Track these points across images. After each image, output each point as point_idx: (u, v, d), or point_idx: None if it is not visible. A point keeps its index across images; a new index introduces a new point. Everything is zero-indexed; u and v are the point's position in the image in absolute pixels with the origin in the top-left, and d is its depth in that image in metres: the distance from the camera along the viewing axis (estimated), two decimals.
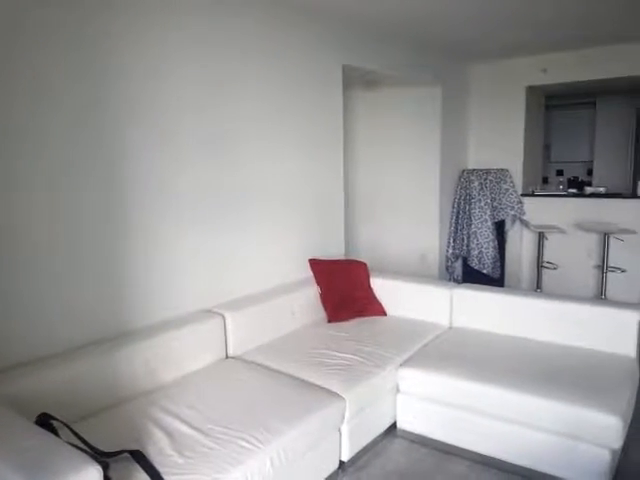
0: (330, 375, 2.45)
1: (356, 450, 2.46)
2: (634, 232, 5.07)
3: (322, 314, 3.33)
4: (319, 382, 2.40)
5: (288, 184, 3.50)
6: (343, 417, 2.30)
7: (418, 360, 2.67)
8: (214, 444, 1.88)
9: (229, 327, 2.72)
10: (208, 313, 2.75)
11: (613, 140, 7.21)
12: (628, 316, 2.69)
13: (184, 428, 1.99)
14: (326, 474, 2.31)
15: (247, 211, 3.15)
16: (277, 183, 3.39)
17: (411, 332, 3.07)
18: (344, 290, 3.45)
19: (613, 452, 2.12)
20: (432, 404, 2.58)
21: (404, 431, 2.70)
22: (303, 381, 2.41)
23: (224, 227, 2.99)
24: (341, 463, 2.40)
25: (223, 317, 2.71)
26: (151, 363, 2.34)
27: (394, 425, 2.74)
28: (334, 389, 2.34)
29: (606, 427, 2.05)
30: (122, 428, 1.99)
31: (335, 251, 3.98)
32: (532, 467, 2.30)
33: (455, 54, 5.29)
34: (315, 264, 3.52)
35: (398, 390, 2.68)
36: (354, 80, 4.77)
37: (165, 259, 2.65)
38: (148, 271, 2.57)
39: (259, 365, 2.61)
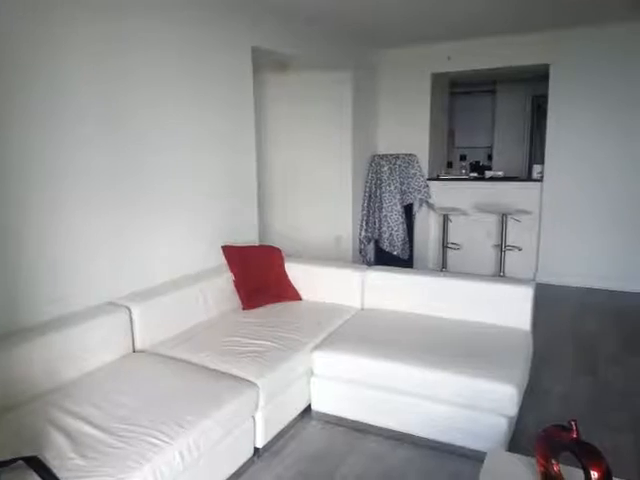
0: (243, 363, 2.42)
1: (271, 435, 2.47)
2: (530, 213, 5.45)
3: (237, 302, 3.29)
4: (232, 371, 2.36)
5: (199, 169, 3.38)
6: (257, 404, 2.29)
7: (331, 343, 2.71)
8: (120, 443, 1.79)
9: (135, 319, 2.60)
10: (112, 305, 2.61)
11: (511, 126, 7.69)
12: (523, 292, 2.89)
13: (86, 428, 1.88)
14: (241, 462, 2.29)
15: (155, 195, 3.01)
16: (187, 168, 3.27)
17: (325, 315, 3.11)
18: (258, 276, 3.42)
19: (510, 419, 2.28)
20: (345, 385, 2.63)
21: (319, 413, 2.75)
22: (215, 371, 2.37)
23: (129, 213, 2.84)
24: (256, 450, 2.39)
25: (128, 309, 2.59)
26: (50, 362, 2.19)
27: (309, 408, 2.77)
28: (247, 376, 2.32)
29: (503, 396, 2.21)
30: (18, 433, 1.85)
31: (249, 237, 3.93)
32: (439, 439, 2.42)
33: (365, 39, 5.36)
34: (228, 250, 3.45)
35: (312, 373, 2.71)
36: (265, 62, 4.69)
37: (60, 248, 2.47)
38: (40, 261, 2.38)
39: (169, 358, 2.53)
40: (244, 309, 3.24)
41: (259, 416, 2.35)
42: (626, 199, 5.03)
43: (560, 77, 5.15)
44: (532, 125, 7.54)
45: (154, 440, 1.82)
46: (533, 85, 6.98)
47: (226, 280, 3.27)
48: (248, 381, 2.29)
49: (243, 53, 3.75)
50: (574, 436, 1.52)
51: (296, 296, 3.47)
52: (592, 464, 1.42)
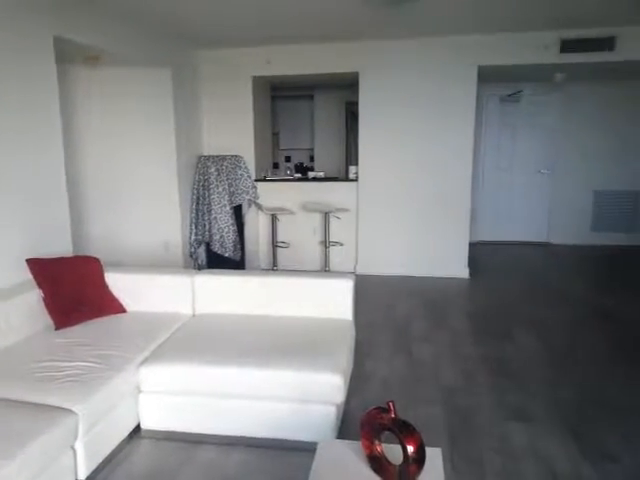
0: (58, 390, 2.17)
1: (96, 464, 2.26)
2: (348, 210, 5.85)
3: (48, 321, 2.94)
4: (46, 400, 2.10)
5: None
6: (76, 433, 2.07)
7: (159, 355, 2.58)
8: None
9: None
10: None
11: (329, 130, 8.16)
12: (344, 284, 3.08)
13: None
14: None
15: None
16: None
17: (153, 327, 2.94)
18: (73, 291, 3.10)
19: (338, 406, 2.42)
20: (176, 397, 2.53)
21: (150, 430, 2.60)
22: (23, 403, 2.08)
23: None
24: None
25: None
26: None
27: (139, 427, 2.61)
28: (63, 404, 2.08)
29: (329, 386, 2.33)
30: None
31: (61, 247, 3.55)
32: (273, 437, 2.46)
33: (185, 39, 5.21)
34: (35, 264, 3.06)
35: (140, 390, 2.55)
36: (74, 56, 4.27)
37: None
38: None
39: None
40: (57, 329, 2.90)
41: (80, 445, 2.13)
42: (428, 196, 5.69)
43: (368, 85, 5.61)
44: (347, 129, 8.10)
45: None
46: (347, 91, 7.47)
47: (34, 298, 2.91)
48: (64, 409, 2.06)
49: (43, 44, 3.36)
50: (392, 416, 1.67)
51: (120, 309, 3.23)
52: (408, 439, 1.57)
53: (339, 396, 2.35)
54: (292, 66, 5.71)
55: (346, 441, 1.88)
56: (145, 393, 2.56)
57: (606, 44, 4.98)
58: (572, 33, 5.04)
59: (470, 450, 2.47)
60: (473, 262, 5.99)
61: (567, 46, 5.07)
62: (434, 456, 1.73)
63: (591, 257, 6.78)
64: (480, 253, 6.86)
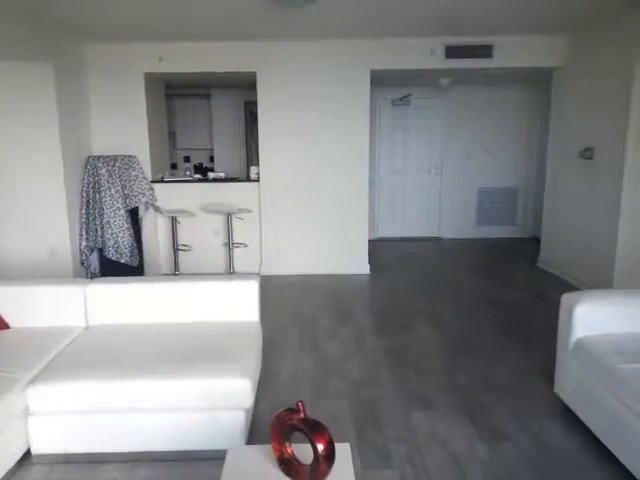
0: None
1: None
2: (251, 211, 5.81)
3: None
4: None
5: None
6: None
7: (49, 373, 2.38)
8: None
9: None
10: None
11: (228, 129, 8.04)
12: (250, 285, 3.05)
13: None
14: None
15: None
16: None
17: (41, 343, 2.71)
18: None
19: (247, 411, 2.39)
20: (71, 416, 2.35)
21: (42, 455, 2.39)
22: None
23: None
24: None
25: None
26: None
27: (29, 452, 2.39)
28: None
29: (237, 390, 2.29)
30: None
31: None
32: (182, 448, 2.38)
33: (69, 30, 4.85)
34: None
35: (29, 412, 2.34)
36: None
37: None
38: None
39: None
40: None
41: None
42: (329, 195, 5.80)
43: (266, 85, 5.60)
44: (247, 129, 8.03)
45: None
46: (246, 91, 7.41)
47: None
48: None
49: None
50: (301, 416, 1.68)
51: (1, 325, 2.94)
52: (318, 438, 1.59)
53: (248, 400, 2.32)
54: (187, 64, 5.55)
55: (256, 446, 1.86)
56: (35, 415, 2.35)
57: (485, 51, 5.40)
58: (455, 40, 5.39)
59: (377, 441, 2.55)
60: (373, 258, 6.20)
61: (451, 52, 5.42)
62: (343, 452, 1.77)
63: (477, 249, 7.32)
64: (379, 249, 7.14)
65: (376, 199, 7.84)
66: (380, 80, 6.29)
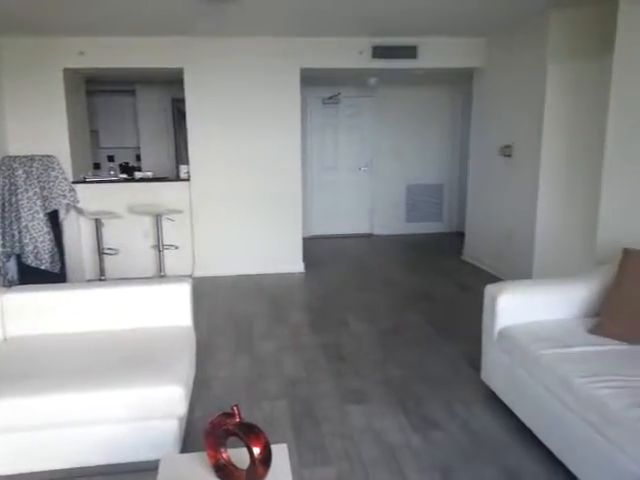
0: None
1: None
2: (182, 211, 5.66)
3: None
4: None
5: None
6: None
7: None
8: None
9: None
10: None
11: (155, 127, 7.79)
12: (182, 288, 2.96)
13: None
14: None
15: None
16: None
17: None
18: None
19: (180, 419, 2.32)
20: None
21: None
22: None
23: None
24: None
25: None
26: None
27: None
28: None
29: (170, 398, 2.22)
30: None
31: None
32: (113, 462, 2.27)
33: None
34: None
35: None
36: None
37: None
38: None
39: None
40: None
41: None
42: (262, 194, 5.76)
43: (194, 82, 5.47)
44: (175, 127, 7.81)
45: None
46: (173, 88, 7.20)
47: None
48: None
49: None
50: (237, 420, 1.65)
51: None
52: (253, 441, 1.57)
53: (181, 408, 2.25)
54: (110, 59, 5.31)
55: (190, 454, 1.82)
56: None
57: (410, 52, 5.56)
58: (382, 41, 5.51)
59: (314, 439, 2.57)
60: (308, 256, 6.23)
61: (377, 52, 5.53)
62: (280, 453, 1.76)
63: (407, 245, 7.54)
64: (314, 247, 7.18)
65: (309, 197, 7.88)
66: (310, 79, 6.31)
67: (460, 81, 7.37)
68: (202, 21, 4.68)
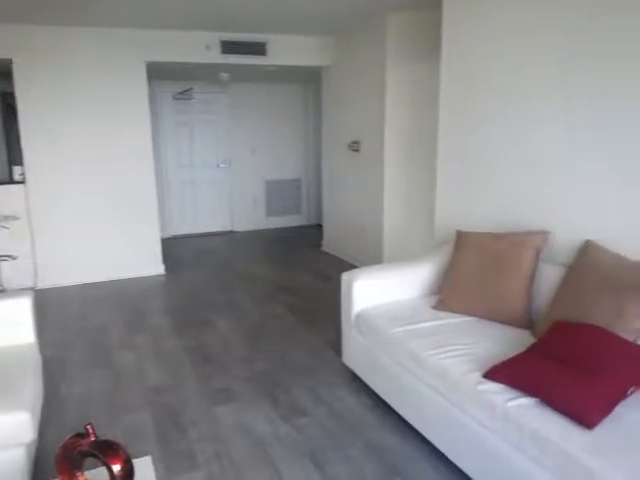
0: None
1: None
2: (18, 218, 5.09)
3: None
4: None
5: None
6: None
7: None
8: None
9: None
10: None
11: None
12: (22, 303, 2.67)
13: None
14: None
15: None
16: None
17: None
18: None
19: (28, 446, 2.10)
20: None
21: None
22: None
23: None
24: None
25: None
26: None
27: None
28: None
29: (14, 425, 1.99)
30: None
31: None
32: None
33: None
34: None
35: None
36: None
37: None
38: None
39: None
40: None
41: None
42: (113, 196, 5.39)
43: (26, 75, 4.93)
44: (5, 124, 6.96)
45: None
46: (2, 81, 6.39)
47: None
48: None
49: None
50: (92, 439, 1.55)
51: None
52: (112, 459, 1.49)
53: (28, 434, 2.04)
54: None
55: None
56: None
57: (259, 49, 5.59)
58: (231, 36, 5.46)
59: (182, 446, 2.50)
60: (168, 257, 6.00)
61: (227, 48, 5.48)
62: (144, 466, 1.69)
63: (268, 239, 7.63)
64: (174, 248, 6.92)
65: (166, 196, 7.57)
66: (159, 73, 6.05)
67: (312, 78, 7.61)
68: (33, 7, 4.23)
